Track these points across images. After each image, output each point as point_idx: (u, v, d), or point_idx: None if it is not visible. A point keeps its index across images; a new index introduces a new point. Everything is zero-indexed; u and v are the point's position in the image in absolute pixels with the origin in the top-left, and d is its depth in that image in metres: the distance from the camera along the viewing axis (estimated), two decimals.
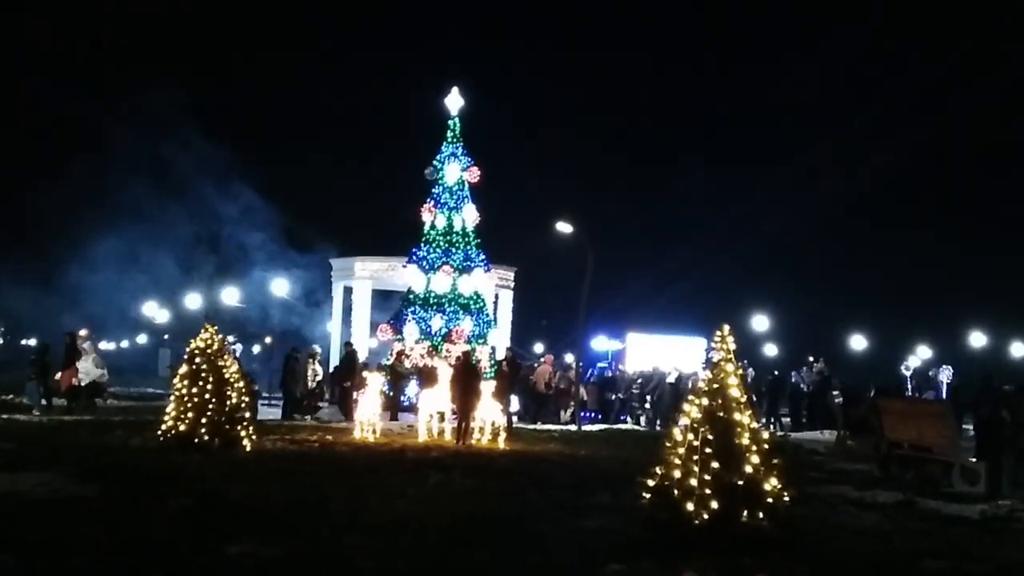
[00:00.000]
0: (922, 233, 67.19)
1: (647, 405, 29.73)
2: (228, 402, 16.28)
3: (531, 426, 26.31)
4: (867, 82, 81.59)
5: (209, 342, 16.43)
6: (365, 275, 38.82)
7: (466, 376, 21.00)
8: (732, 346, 10.36)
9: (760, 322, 50.70)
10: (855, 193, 73.59)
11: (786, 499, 10.03)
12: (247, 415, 16.75)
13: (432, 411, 21.33)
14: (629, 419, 30.08)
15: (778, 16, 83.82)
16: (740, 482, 9.82)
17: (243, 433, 16.39)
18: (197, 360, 16.34)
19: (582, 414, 28.94)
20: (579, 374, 30.07)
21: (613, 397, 30.47)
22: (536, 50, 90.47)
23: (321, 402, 28.47)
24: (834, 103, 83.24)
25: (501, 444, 19.81)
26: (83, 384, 24.18)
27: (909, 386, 33.57)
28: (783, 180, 68.13)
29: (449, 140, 31.03)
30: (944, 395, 31.94)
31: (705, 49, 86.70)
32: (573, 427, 26.03)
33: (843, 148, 75.85)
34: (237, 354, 25.75)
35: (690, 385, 28.04)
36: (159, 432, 16.38)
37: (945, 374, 35.32)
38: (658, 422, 28.51)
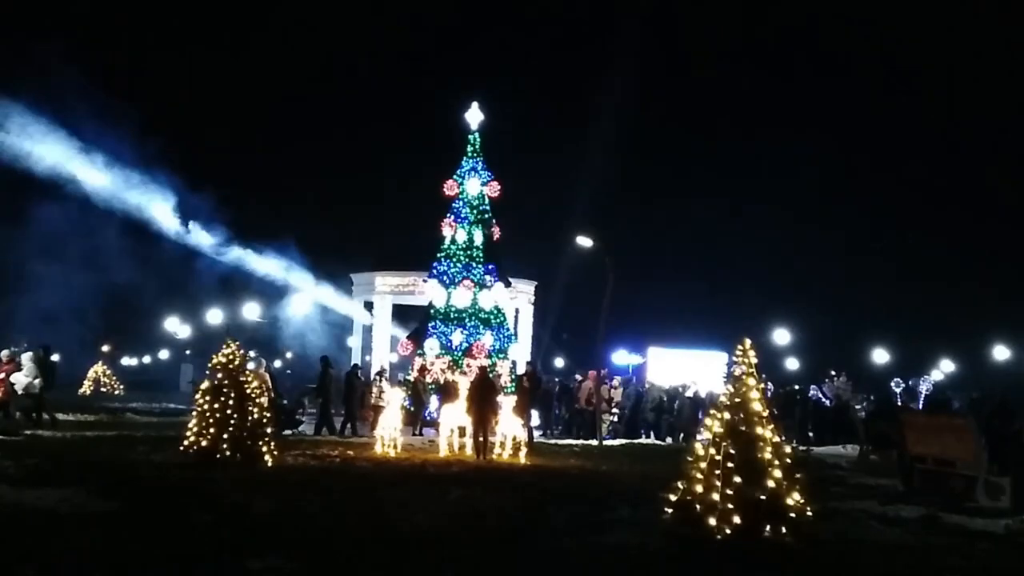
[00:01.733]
0: (945, 246, 66.91)
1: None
2: (250, 418, 16.34)
3: (552, 441, 26.29)
4: (886, 93, 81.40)
5: (231, 357, 16.51)
6: (386, 290, 38.97)
7: (482, 390, 21.05)
8: (754, 360, 10.33)
9: (781, 336, 50.60)
10: (877, 206, 73.39)
11: (809, 514, 10.00)
12: (269, 430, 16.80)
13: (453, 426, 21.35)
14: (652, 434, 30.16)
15: (791, 34, 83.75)
16: (763, 497, 9.78)
17: (264, 448, 16.44)
18: (219, 376, 16.42)
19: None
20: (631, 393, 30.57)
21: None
22: (558, 65, 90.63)
23: (300, 416, 28.40)
24: (851, 117, 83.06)
25: (522, 459, 19.78)
26: (19, 394, 23.64)
27: (899, 401, 33.54)
28: (805, 192, 67.88)
29: (469, 155, 31.09)
30: (921, 406, 32.01)
31: (725, 69, 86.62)
32: (594, 442, 25.99)
33: (864, 161, 75.72)
34: (263, 368, 25.84)
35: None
36: (181, 447, 16.45)
37: (924, 385, 35.51)
38: (678, 436, 28.66)
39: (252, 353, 21.32)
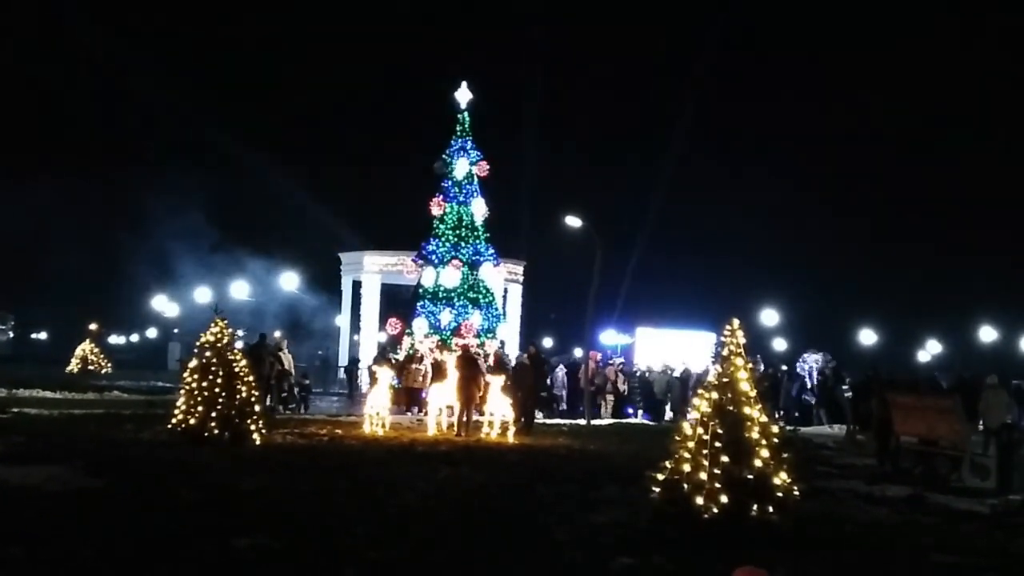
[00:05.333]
0: (932, 227, 67.11)
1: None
2: (238, 396, 16.31)
3: (540, 420, 26.30)
4: (879, 81, 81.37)
5: (219, 336, 16.46)
6: (374, 269, 38.85)
7: (466, 368, 21.12)
8: (742, 340, 10.34)
9: (770, 316, 50.68)
10: (865, 187, 73.52)
11: (795, 493, 10.03)
12: (257, 408, 16.78)
13: (442, 405, 21.37)
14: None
15: (788, 17, 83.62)
16: (750, 476, 9.81)
17: (253, 427, 16.42)
18: (207, 354, 16.38)
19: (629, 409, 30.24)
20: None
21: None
22: (547, 43, 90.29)
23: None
24: (844, 101, 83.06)
25: (510, 438, 19.81)
26: None
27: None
28: (792, 173, 67.93)
29: (458, 134, 30.87)
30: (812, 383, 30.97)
31: (718, 46, 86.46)
32: (582, 421, 26.02)
33: (853, 141, 75.77)
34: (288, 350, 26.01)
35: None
36: (169, 426, 16.43)
37: (811, 360, 33.88)
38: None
39: (240, 332, 21.31)
